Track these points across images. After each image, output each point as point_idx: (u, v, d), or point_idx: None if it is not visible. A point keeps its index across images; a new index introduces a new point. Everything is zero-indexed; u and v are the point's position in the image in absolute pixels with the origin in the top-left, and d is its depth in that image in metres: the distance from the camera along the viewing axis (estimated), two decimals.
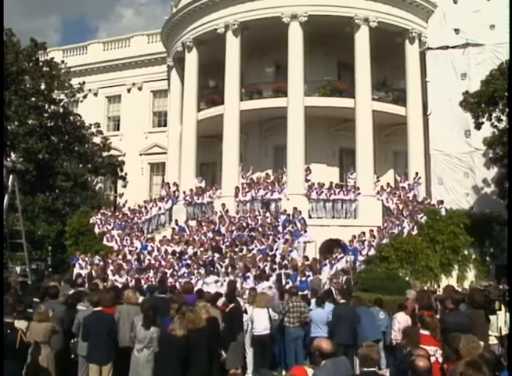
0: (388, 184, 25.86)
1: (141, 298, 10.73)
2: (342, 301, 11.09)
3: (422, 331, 7.27)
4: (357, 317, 10.47)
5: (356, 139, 25.28)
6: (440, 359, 6.67)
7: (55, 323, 8.72)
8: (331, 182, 24.93)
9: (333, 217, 23.85)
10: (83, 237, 24.80)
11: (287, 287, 14.88)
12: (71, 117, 30.83)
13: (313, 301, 12.05)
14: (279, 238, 20.86)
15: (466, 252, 20.09)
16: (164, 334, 8.24)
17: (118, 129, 36.13)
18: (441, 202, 22.35)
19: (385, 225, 21.78)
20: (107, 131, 34.61)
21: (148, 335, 8.37)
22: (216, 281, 17.00)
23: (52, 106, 30.28)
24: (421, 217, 20.98)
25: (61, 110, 30.62)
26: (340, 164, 28.19)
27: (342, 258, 19.37)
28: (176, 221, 24.90)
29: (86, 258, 21.71)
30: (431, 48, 26.16)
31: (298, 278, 17.13)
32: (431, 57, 26.16)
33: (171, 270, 20.04)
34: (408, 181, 25.39)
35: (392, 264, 19.16)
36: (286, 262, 18.72)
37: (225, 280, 17.08)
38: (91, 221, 25.67)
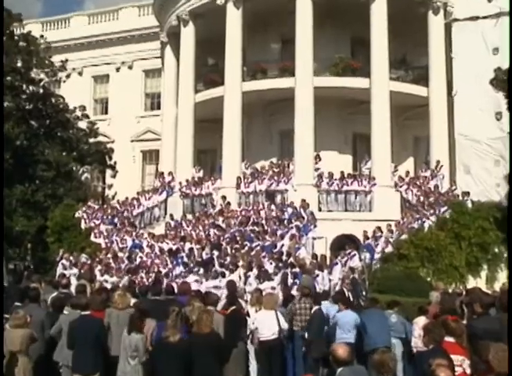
0: (407, 173, 25.83)
1: (133, 301, 10.66)
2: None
3: (446, 338, 7.19)
4: (361, 322, 10.54)
5: (371, 124, 25.20)
6: (468, 371, 6.61)
7: (33, 330, 8.66)
8: (343, 172, 24.92)
9: (346, 210, 23.88)
10: (67, 233, 24.84)
11: (295, 288, 14.86)
12: (53, 99, 30.78)
13: (325, 302, 12.01)
14: (285, 233, 20.87)
15: (496, 250, 20.03)
16: (158, 342, 8.21)
17: (106, 113, 36.11)
18: (468, 193, 22.27)
19: (404, 219, 21.77)
20: (94, 115, 34.58)
21: (132, 342, 8.34)
22: (215, 287, 16.89)
23: (31, 87, 30.21)
24: (445, 210, 20.94)
25: (41, 90, 30.54)
26: (353, 152, 28.15)
27: (354, 255, 19.40)
28: (171, 215, 24.92)
29: (71, 257, 21.70)
30: (458, 20, 25.97)
31: None
32: (458, 30, 26.00)
33: (167, 269, 20.10)
34: (430, 170, 25.34)
35: (412, 262, 19.16)
36: (292, 260, 18.75)
37: (220, 281, 17.15)
38: (76, 215, 25.69)
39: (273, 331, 10.65)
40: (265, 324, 10.65)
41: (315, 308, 11.13)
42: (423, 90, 26.69)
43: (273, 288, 15.86)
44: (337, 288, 16.19)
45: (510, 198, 18.45)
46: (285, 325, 10.75)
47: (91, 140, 31.67)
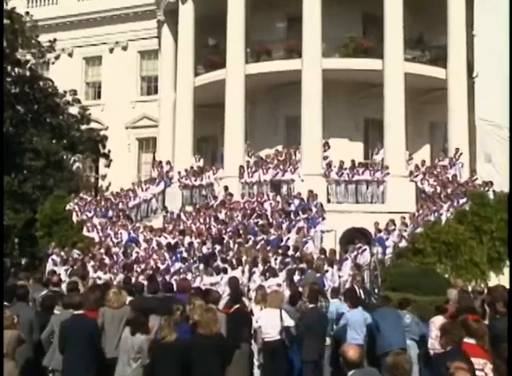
0: (423, 162, 25.79)
1: (129, 299, 10.70)
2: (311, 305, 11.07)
3: (466, 340, 7.17)
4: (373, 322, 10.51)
5: (384, 108, 25.14)
6: (491, 375, 6.58)
7: (21, 331, 8.66)
8: (354, 160, 24.92)
9: (357, 202, 23.94)
10: (57, 227, 24.87)
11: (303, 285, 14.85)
12: (41, 83, 30.72)
13: (335, 300, 12.01)
14: (291, 227, 20.92)
15: None
16: (154, 343, 8.24)
17: (99, 97, 35.98)
18: (490, 183, 22.20)
19: (419, 211, 21.77)
20: (86, 100, 34.50)
21: (135, 344, 8.34)
22: (212, 284, 17.00)
23: (17, 69, 30.11)
24: (464, 202, 20.89)
25: (28, 73, 30.43)
26: (364, 139, 28.14)
27: (365, 250, 19.44)
28: (165, 207, 25.12)
29: (62, 253, 21.74)
30: None
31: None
32: (480, 5, 25.76)
33: (165, 265, 20.17)
34: (447, 158, 25.26)
35: (428, 258, 19.14)
36: (299, 254, 18.80)
37: (221, 278, 17.20)
38: (67, 207, 25.72)
39: (278, 331, 10.66)
40: (269, 323, 10.65)
41: (310, 306, 11.09)
42: (440, 72, 26.55)
43: (279, 285, 15.90)
44: (347, 285, 16.17)
45: (511, 198, 18.47)
46: (290, 324, 10.72)
47: (83, 127, 31.62)
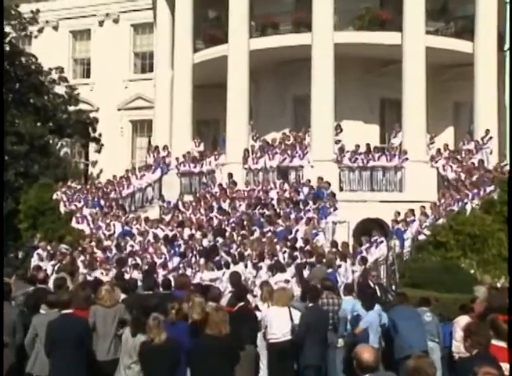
0: (446, 146, 25.72)
1: (123, 297, 10.83)
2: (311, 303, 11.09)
3: (495, 342, 7.13)
4: (390, 321, 10.53)
5: (403, 87, 25.02)
6: None
7: (4, 333, 8.69)
8: (369, 144, 24.88)
9: (372, 190, 24.00)
10: (43, 219, 24.92)
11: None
12: (23, 59, 30.68)
13: (348, 298, 11.99)
14: (300, 217, 20.97)
15: None
16: (143, 346, 8.30)
17: (88, 76, 35.99)
18: None
19: (441, 200, 21.73)
20: (74, 79, 34.53)
21: (137, 345, 8.41)
22: (213, 279, 17.08)
23: None
24: (492, 190, 20.81)
25: (7, 48, 30.28)
26: (381, 121, 28.12)
27: (381, 242, 19.44)
28: (162, 196, 25.20)
29: (48, 247, 21.78)
30: None
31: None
32: None
33: (162, 260, 20.27)
34: (473, 142, 25.18)
35: (451, 252, 19.08)
36: (309, 248, 18.85)
37: (223, 273, 17.28)
38: (54, 197, 25.79)
39: (285, 332, 10.66)
40: (276, 323, 10.67)
41: (310, 305, 11.10)
42: (467, 45, 26.39)
43: (287, 281, 15.96)
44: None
45: (511, 198, 18.50)
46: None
47: (71, 108, 31.65)
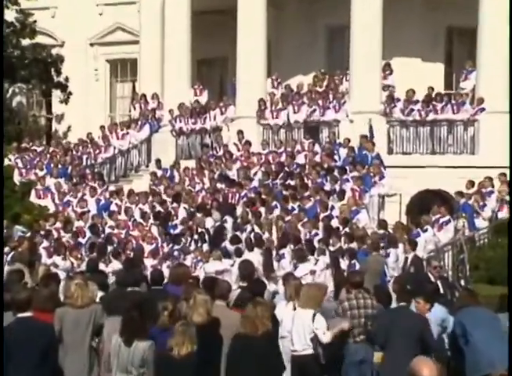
0: None
1: (100, 295, 10.86)
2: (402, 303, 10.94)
3: None
4: (460, 328, 10.46)
5: (479, 10, 24.48)
6: None
7: None
8: (431, 90, 24.74)
9: (433, 152, 24.02)
10: None
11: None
12: None
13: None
14: (336, 190, 20.89)
15: None
16: (159, 356, 8.41)
17: None
18: None
19: None
20: (28, 0, 33.95)
21: (135, 356, 8.47)
22: (219, 271, 17.09)
23: None
24: None
25: None
26: (446, 58, 28.18)
27: (449, 222, 19.31)
28: (158, 161, 25.11)
29: None
30: None
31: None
32: None
33: (153, 246, 20.33)
34: None
35: None
36: (348, 229, 18.86)
37: (232, 264, 17.30)
38: (5, 163, 25.73)
39: (307, 343, 10.73)
40: (297, 331, 10.73)
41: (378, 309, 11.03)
42: None
43: (313, 273, 16.17)
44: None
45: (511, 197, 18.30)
46: (325, 334, 10.70)
47: (25, 42, 31.32)
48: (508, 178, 21.05)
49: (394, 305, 11.57)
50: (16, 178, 25.48)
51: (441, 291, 14.87)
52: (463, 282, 17.18)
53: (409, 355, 9.57)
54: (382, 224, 19.35)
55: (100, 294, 10.85)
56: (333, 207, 20.23)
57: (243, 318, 8.79)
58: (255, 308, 8.71)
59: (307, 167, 22.45)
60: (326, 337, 10.65)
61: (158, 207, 22.38)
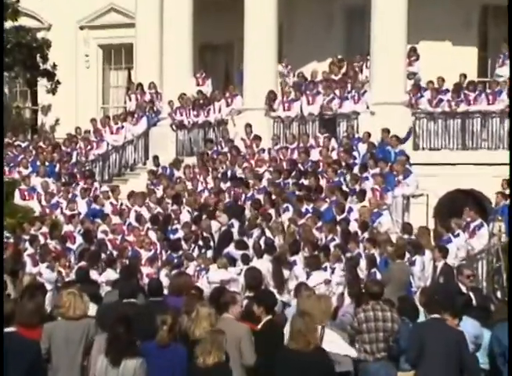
0: None
1: (94, 308, 10.87)
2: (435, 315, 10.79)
3: None
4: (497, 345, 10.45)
5: None
6: None
7: None
8: (462, 77, 24.81)
9: (464, 148, 24.04)
10: None
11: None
12: None
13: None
14: (355, 190, 20.93)
15: None
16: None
17: None
18: None
19: None
20: None
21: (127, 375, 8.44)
22: (225, 281, 17.07)
23: None
24: None
25: None
26: (480, 41, 28.36)
27: (481, 227, 19.28)
28: (156, 158, 25.25)
29: None
30: None
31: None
32: None
33: (151, 252, 20.40)
34: None
35: None
36: (368, 234, 18.85)
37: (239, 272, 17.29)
38: None
39: None
40: None
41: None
42: None
43: (328, 282, 16.24)
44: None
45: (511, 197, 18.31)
46: (347, 351, 10.68)
47: (8, 24, 31.33)
48: None
49: (421, 318, 11.56)
50: None
51: (474, 303, 14.80)
52: (499, 294, 17.13)
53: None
54: (407, 228, 19.35)
55: (92, 306, 10.75)
56: (351, 210, 20.22)
57: (294, 333, 8.77)
58: (304, 319, 8.82)
59: (322, 164, 22.52)
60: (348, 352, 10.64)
61: (156, 210, 22.39)
